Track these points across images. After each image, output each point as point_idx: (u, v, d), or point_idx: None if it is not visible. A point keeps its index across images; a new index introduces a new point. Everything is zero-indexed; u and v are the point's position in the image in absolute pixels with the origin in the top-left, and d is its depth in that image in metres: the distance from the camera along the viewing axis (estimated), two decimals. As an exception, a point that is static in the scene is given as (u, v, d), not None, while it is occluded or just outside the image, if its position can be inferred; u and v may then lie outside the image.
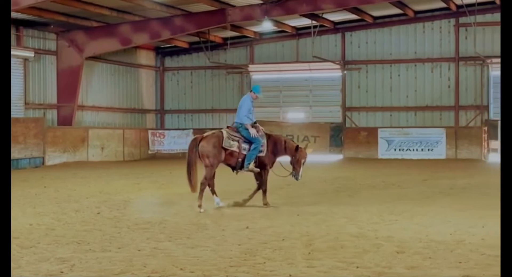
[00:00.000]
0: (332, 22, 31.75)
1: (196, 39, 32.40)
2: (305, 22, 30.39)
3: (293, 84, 33.69)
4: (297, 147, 13.29)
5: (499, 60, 30.06)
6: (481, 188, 16.96)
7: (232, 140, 13.11)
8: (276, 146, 13.43)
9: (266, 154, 13.29)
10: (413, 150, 30.60)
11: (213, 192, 13.27)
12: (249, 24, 31.04)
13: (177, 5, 26.94)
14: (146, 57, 35.39)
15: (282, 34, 33.42)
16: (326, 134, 31.73)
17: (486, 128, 29.11)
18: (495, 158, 28.39)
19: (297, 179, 13.34)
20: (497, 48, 30.30)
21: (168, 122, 36.23)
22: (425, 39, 31.66)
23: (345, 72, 32.79)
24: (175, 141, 33.55)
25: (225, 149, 13.05)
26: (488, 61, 30.01)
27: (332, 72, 33.22)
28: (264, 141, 13.25)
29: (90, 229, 10.43)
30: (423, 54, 31.67)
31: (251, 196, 13.41)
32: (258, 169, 13.27)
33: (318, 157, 30.17)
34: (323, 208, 12.87)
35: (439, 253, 8.39)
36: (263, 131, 13.45)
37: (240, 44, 34.54)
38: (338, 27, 32.56)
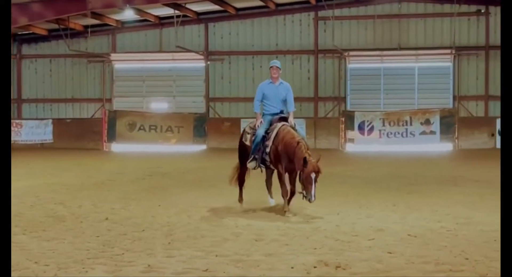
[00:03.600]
0: (196, 12, 31.75)
1: (56, 26, 31.33)
2: (168, 11, 30.18)
3: (156, 74, 33.40)
4: (304, 159, 10.25)
5: (355, 53, 31.29)
6: (339, 177, 17.56)
7: (247, 134, 11.92)
8: (287, 148, 10.85)
9: (271, 151, 11.14)
10: (275, 140, 31.22)
11: (269, 192, 12.06)
12: (110, 12, 30.43)
13: (34, -10, 25.97)
14: (1, 44, 33.87)
15: (145, 23, 33.02)
16: (189, 125, 31.67)
17: (343, 119, 30.15)
18: (351, 147, 29.50)
19: (309, 200, 10.36)
20: (354, 42, 31.45)
21: (26, 111, 34.89)
22: (285, 32, 32.32)
23: (208, 62, 32.91)
24: (33, 131, 32.41)
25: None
26: (346, 54, 31.08)
27: (195, 63, 33.23)
28: (272, 134, 11.21)
29: None
30: (284, 46, 32.31)
31: (287, 203, 11.12)
32: (252, 166, 11.57)
33: (181, 148, 30.35)
34: (185, 198, 12.89)
35: (296, 240, 8.64)
36: (290, 124, 11.34)
37: (102, 32, 33.81)
38: (202, 18, 32.60)
